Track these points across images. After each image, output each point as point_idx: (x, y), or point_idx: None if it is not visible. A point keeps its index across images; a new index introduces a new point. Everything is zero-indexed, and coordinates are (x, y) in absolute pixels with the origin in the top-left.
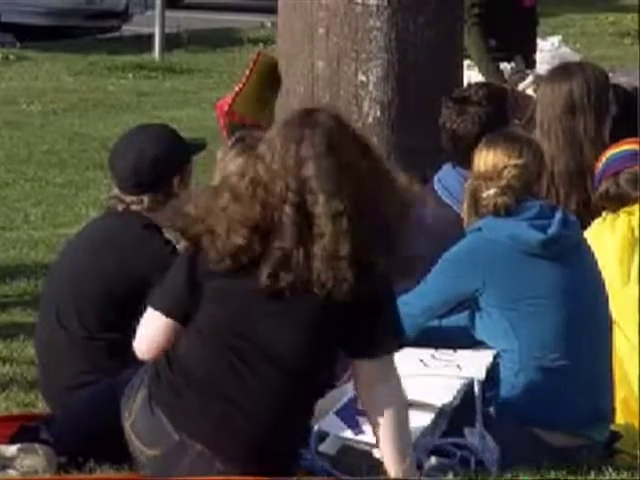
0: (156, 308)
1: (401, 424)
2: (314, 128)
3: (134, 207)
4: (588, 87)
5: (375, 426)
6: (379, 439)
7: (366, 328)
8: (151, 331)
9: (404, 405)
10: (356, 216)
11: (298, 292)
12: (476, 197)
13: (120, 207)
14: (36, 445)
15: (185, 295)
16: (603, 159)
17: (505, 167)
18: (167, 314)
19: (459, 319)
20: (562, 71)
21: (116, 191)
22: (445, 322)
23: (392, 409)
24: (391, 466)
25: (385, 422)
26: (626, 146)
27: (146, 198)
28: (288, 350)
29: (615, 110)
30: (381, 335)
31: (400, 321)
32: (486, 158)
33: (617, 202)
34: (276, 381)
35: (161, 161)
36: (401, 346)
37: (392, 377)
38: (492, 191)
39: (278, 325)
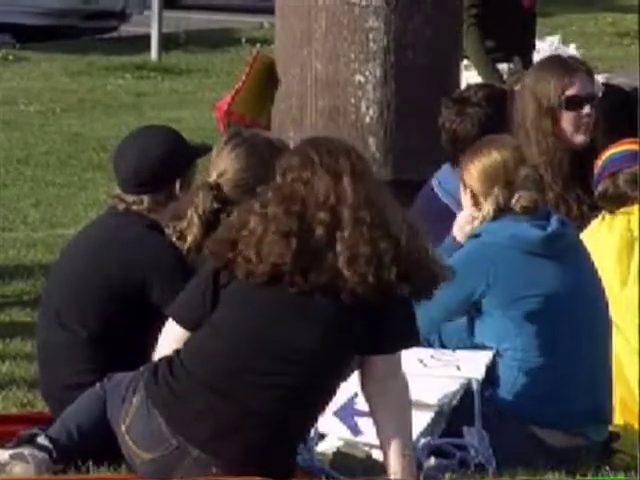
0: (177, 321)
1: (406, 420)
2: (342, 148)
3: (135, 207)
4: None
5: (380, 421)
6: (382, 434)
7: (384, 325)
8: (172, 342)
9: (410, 402)
10: (378, 225)
11: (325, 293)
12: (501, 202)
13: (121, 207)
14: (27, 453)
15: (204, 308)
16: (602, 159)
17: (524, 167)
18: (189, 328)
19: (457, 325)
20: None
21: (118, 190)
22: (443, 327)
23: (400, 404)
24: (392, 461)
25: (391, 417)
26: (625, 146)
27: (146, 198)
28: (308, 350)
29: (607, 110)
30: (398, 332)
31: (415, 319)
32: (504, 161)
33: (616, 202)
34: (289, 385)
35: (163, 162)
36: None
37: (401, 373)
38: (522, 192)
39: (301, 325)
